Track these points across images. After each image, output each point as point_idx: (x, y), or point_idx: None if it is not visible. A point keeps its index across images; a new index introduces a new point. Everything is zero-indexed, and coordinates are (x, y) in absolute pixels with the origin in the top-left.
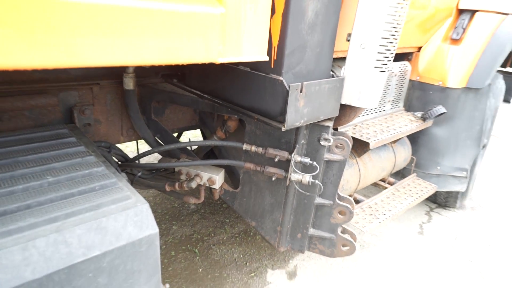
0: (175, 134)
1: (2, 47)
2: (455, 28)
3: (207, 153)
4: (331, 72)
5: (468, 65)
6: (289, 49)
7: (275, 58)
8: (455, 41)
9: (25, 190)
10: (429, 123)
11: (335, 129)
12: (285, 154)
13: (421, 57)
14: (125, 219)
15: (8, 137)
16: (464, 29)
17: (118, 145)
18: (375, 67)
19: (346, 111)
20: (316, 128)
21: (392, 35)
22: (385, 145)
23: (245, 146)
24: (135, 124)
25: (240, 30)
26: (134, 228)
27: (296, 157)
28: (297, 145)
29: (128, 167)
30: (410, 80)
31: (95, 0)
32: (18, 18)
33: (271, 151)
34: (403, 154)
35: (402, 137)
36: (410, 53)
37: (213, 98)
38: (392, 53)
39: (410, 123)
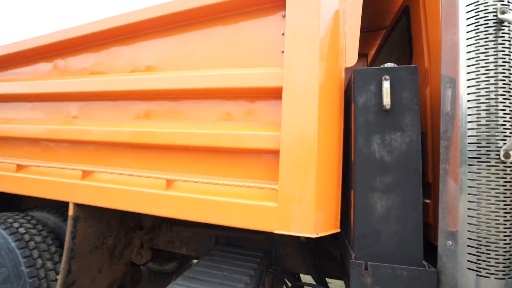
0: None
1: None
2: None
3: None
4: (424, 262)
5: None
6: (357, 234)
7: (352, 237)
8: None
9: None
10: None
11: None
12: None
13: None
14: None
15: (239, 249)
16: None
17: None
18: (468, 268)
19: None
20: None
21: (475, 235)
22: None
23: None
24: (304, 263)
25: (289, 216)
26: None
27: None
28: None
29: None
30: None
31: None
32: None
33: None
34: None
35: None
36: None
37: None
38: (494, 256)
39: None
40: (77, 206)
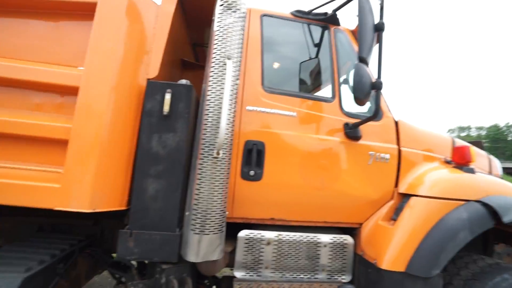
0: None
1: None
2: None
3: None
4: (177, 229)
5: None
6: (133, 210)
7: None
8: (392, 221)
9: None
10: None
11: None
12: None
13: (362, 233)
14: None
15: (60, 235)
16: (402, 211)
17: None
18: (192, 229)
19: (200, 263)
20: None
21: (197, 207)
22: None
23: None
24: None
25: (69, 195)
26: None
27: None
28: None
29: None
30: (357, 255)
31: None
32: None
33: None
34: None
35: None
36: (354, 228)
37: None
38: (206, 222)
39: None
40: None
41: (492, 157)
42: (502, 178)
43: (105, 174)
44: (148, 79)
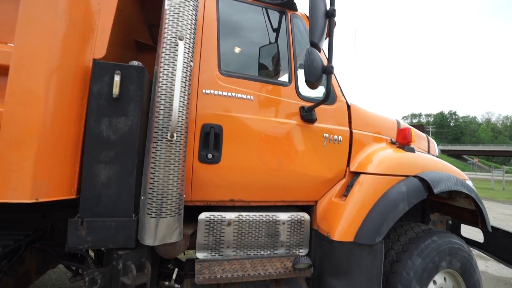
0: None
1: None
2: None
3: None
4: (133, 215)
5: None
6: (83, 197)
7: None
8: (344, 197)
9: None
10: (293, 273)
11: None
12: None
13: (318, 209)
14: None
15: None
16: (352, 188)
17: None
18: (148, 213)
19: (159, 247)
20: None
21: (152, 191)
22: None
23: None
24: None
25: (5, 186)
26: None
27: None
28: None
29: None
30: (313, 230)
31: None
32: None
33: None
34: None
35: None
36: (310, 205)
37: None
38: (162, 205)
39: (275, 269)
40: None
41: (430, 138)
42: (438, 157)
43: (48, 161)
44: (95, 59)
